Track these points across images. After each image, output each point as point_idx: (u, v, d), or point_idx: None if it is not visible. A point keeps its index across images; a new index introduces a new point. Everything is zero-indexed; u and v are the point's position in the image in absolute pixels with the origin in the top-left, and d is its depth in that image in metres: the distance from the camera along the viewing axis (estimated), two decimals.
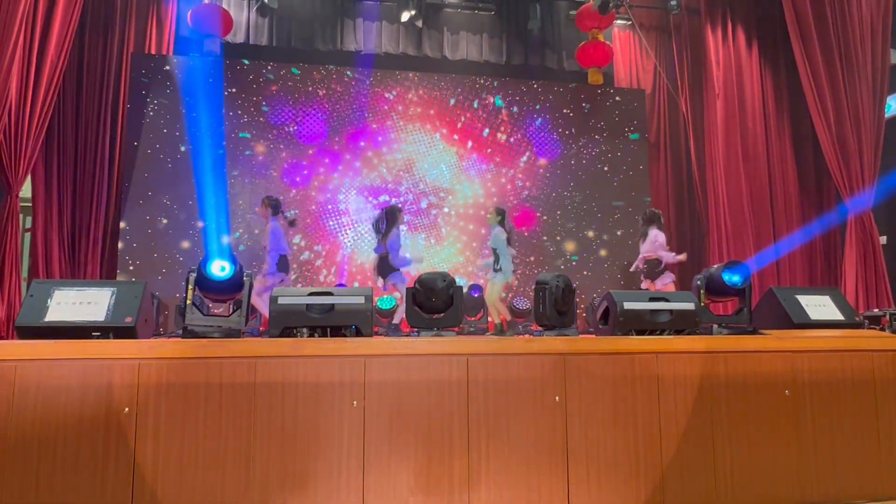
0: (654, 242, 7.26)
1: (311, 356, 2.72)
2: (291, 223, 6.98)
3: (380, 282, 6.64)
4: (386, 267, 6.47)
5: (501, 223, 7.09)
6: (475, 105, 8.34)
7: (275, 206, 6.44)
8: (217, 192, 7.51)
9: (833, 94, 7.06)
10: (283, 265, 6.31)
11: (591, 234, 8.32)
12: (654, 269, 7.35)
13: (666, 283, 7.30)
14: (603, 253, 8.24)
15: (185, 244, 7.35)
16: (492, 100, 8.38)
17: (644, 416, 2.89)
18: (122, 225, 7.20)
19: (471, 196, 8.21)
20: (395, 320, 6.55)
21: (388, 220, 6.59)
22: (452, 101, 8.30)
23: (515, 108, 8.42)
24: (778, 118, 8.16)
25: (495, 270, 6.98)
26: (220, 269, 3.02)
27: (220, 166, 7.60)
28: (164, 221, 7.33)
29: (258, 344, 2.76)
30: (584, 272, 8.22)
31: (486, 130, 8.34)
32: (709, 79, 8.18)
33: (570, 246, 8.29)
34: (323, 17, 8.28)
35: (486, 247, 7.42)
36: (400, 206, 7.06)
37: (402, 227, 6.65)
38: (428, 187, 8.13)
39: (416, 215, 8.06)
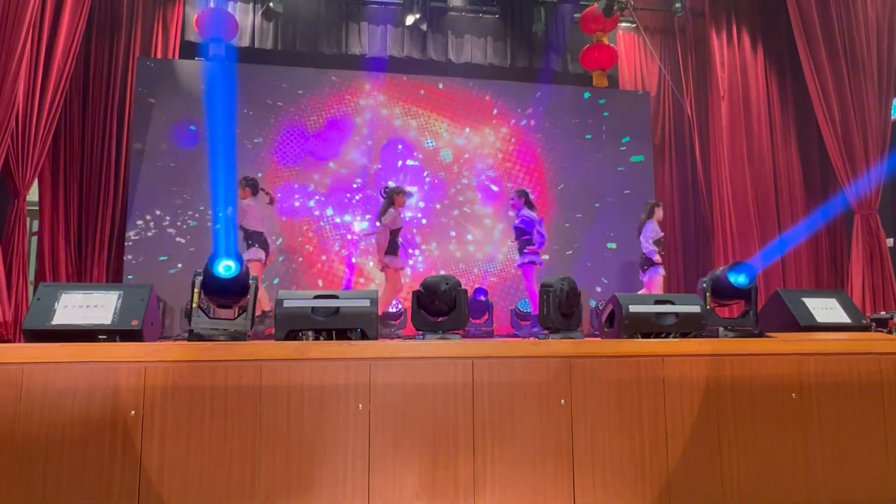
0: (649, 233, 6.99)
1: (316, 359, 2.73)
2: (271, 201, 6.94)
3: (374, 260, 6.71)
4: (390, 246, 6.46)
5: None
6: (480, 108, 8.34)
7: (253, 186, 6.46)
8: (224, 195, 7.52)
9: (839, 96, 7.04)
10: (263, 243, 6.31)
11: (595, 235, 8.31)
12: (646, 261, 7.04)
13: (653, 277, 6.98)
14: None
15: (192, 248, 7.38)
16: (496, 103, 8.38)
17: (650, 420, 2.88)
18: (128, 229, 7.23)
19: (475, 198, 8.21)
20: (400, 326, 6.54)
21: (384, 199, 6.59)
22: (457, 105, 8.30)
23: (520, 112, 8.42)
24: (783, 120, 8.13)
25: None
26: (225, 268, 3.02)
27: (227, 170, 7.62)
28: (171, 225, 7.36)
29: (264, 347, 2.77)
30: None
31: (491, 133, 8.34)
32: (714, 81, 8.15)
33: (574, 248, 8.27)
34: (328, 21, 8.30)
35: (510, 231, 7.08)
36: (402, 188, 6.87)
37: (401, 210, 6.57)
38: (432, 190, 8.13)
39: (421, 218, 8.07)
